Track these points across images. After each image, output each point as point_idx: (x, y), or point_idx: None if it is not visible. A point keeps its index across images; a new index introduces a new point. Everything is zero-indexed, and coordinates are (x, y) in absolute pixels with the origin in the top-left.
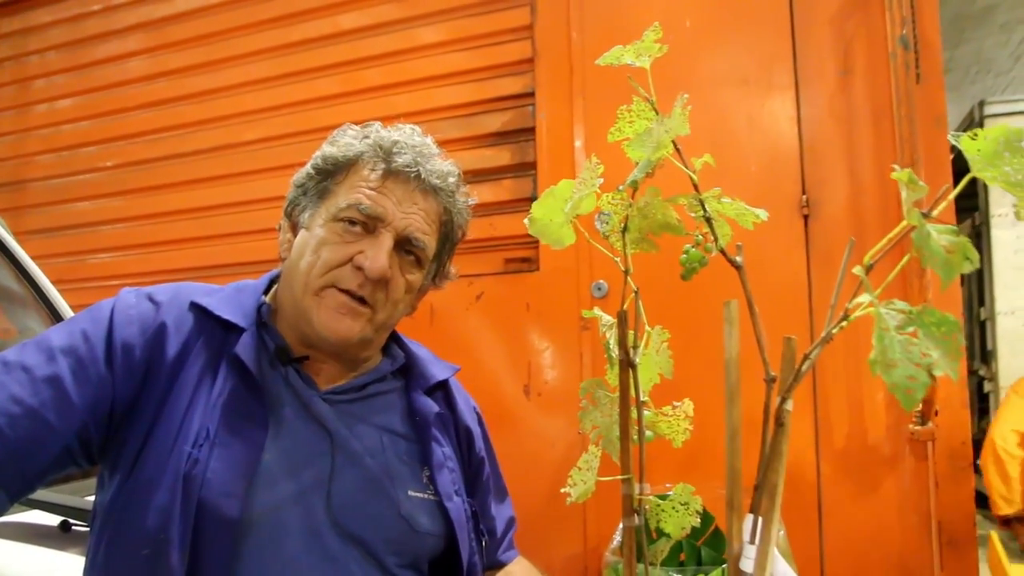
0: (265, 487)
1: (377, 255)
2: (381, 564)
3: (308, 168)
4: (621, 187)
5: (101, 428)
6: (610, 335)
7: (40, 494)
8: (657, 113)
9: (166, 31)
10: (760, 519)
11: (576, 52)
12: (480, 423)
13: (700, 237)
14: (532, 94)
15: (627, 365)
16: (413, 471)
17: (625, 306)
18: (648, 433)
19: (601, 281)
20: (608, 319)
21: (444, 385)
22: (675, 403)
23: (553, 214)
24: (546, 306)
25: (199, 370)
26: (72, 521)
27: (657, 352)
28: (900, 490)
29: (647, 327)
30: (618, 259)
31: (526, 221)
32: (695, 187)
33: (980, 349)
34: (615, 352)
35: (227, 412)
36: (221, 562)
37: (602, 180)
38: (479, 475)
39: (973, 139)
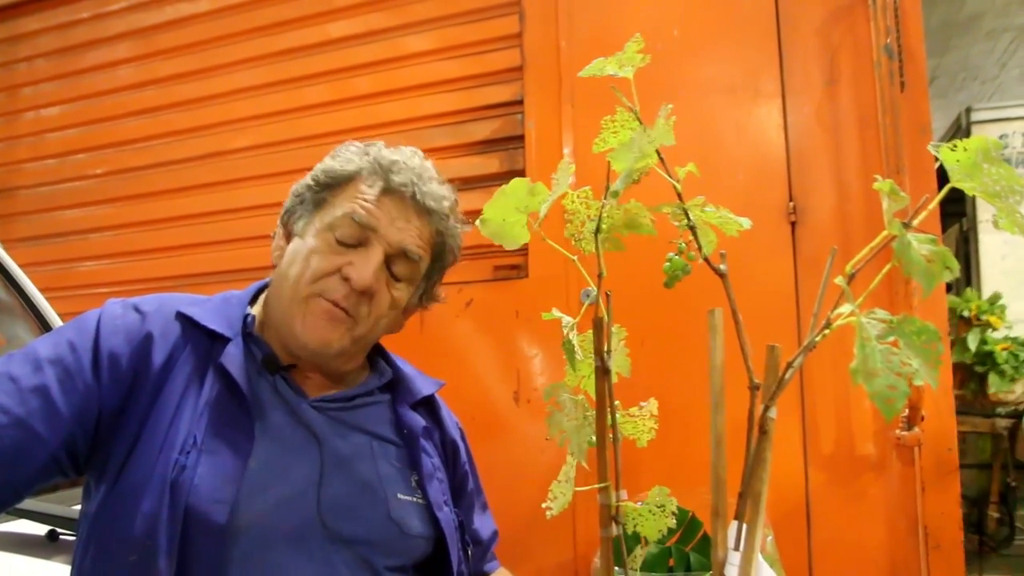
0: (253, 492)
1: (365, 267)
2: (371, 566)
3: (308, 179)
4: (592, 188)
5: (88, 437)
6: (572, 336)
7: (27, 503)
8: (641, 123)
9: (155, 39)
10: (744, 526)
11: (565, 60)
12: (463, 438)
13: (683, 245)
14: (521, 102)
15: (603, 372)
16: (402, 475)
17: (584, 311)
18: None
19: (591, 288)
20: (568, 320)
21: (430, 400)
22: (642, 403)
23: (506, 213)
24: (535, 313)
25: (185, 379)
26: (60, 530)
27: (615, 351)
28: (887, 495)
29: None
30: (575, 257)
31: (477, 223)
32: (679, 196)
33: None
34: (578, 353)
35: (214, 419)
36: (209, 568)
37: (573, 179)
38: (464, 488)
39: (953, 150)
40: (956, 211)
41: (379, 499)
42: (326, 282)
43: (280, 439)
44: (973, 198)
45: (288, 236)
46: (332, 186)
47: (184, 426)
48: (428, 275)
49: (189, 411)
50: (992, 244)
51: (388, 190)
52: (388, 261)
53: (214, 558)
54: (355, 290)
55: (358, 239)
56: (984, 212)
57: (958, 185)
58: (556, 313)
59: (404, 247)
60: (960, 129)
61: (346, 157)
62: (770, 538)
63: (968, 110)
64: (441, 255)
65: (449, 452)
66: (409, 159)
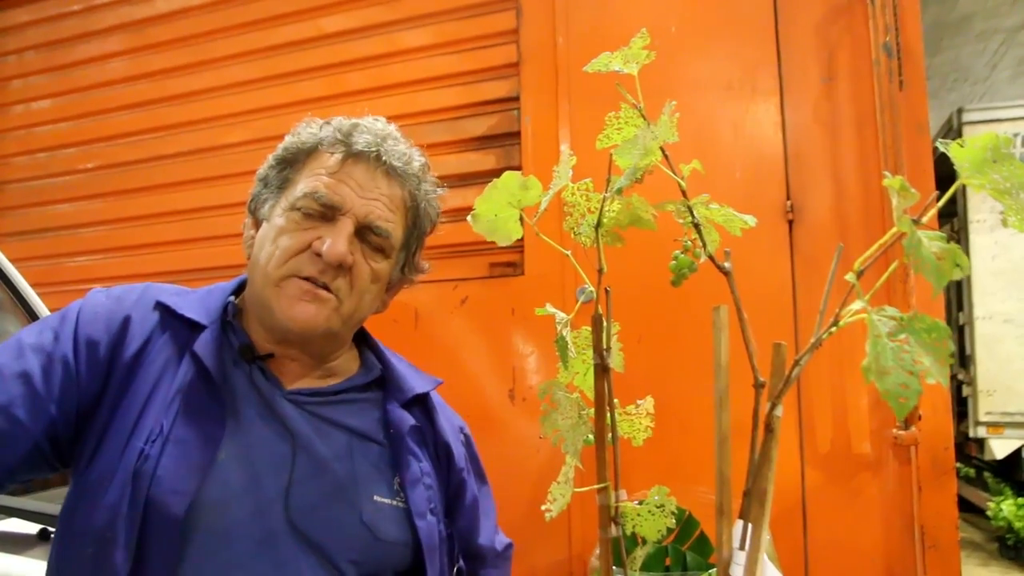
0: (218, 486)
1: (335, 240)
2: (339, 572)
3: (269, 160)
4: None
5: (69, 426)
6: (565, 333)
7: (19, 502)
8: (645, 120)
9: (147, 32)
10: (750, 525)
11: (562, 56)
12: (466, 443)
13: (689, 243)
14: (517, 98)
15: (602, 370)
16: (383, 476)
17: (578, 307)
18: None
19: (586, 285)
20: (562, 316)
21: (424, 399)
22: (638, 402)
23: (498, 209)
24: (531, 311)
25: (159, 367)
26: (51, 529)
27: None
28: (884, 495)
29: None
30: (568, 252)
31: (469, 219)
32: (683, 193)
33: (959, 353)
34: (571, 350)
35: (183, 409)
36: (166, 563)
37: (571, 173)
38: (460, 496)
39: (962, 147)
40: (947, 211)
41: (351, 502)
42: (298, 260)
43: (251, 433)
44: (964, 199)
45: (257, 224)
46: (294, 162)
47: (152, 415)
48: (406, 244)
49: (160, 400)
50: (983, 245)
51: (351, 155)
52: (360, 233)
53: (171, 553)
54: (330, 265)
55: (325, 215)
56: (975, 212)
57: (967, 182)
58: (549, 309)
59: (371, 221)
60: (951, 130)
61: (306, 131)
62: (768, 537)
63: (960, 111)
64: (417, 220)
65: (442, 456)
66: (371, 124)
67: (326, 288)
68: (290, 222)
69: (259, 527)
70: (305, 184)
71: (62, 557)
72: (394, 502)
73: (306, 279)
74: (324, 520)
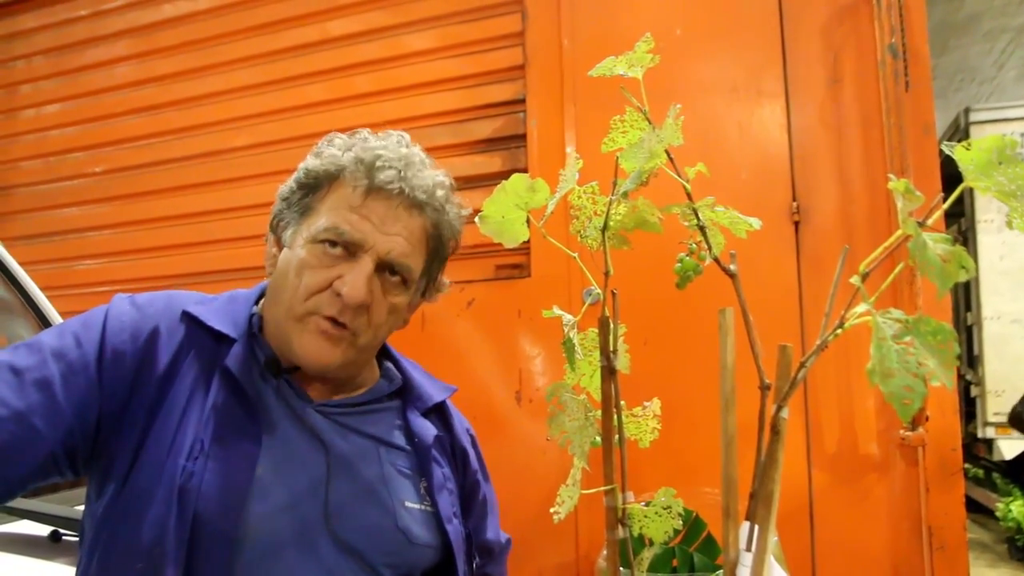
0: (260, 500)
1: (355, 281)
2: (378, 575)
3: (291, 182)
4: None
5: (88, 436)
6: (572, 335)
7: (30, 504)
8: (650, 123)
9: (154, 37)
10: (756, 527)
11: (567, 59)
12: (474, 445)
13: (694, 246)
14: (523, 101)
15: (608, 371)
16: (411, 482)
17: (585, 309)
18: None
19: (593, 287)
20: (569, 318)
21: (440, 406)
22: (645, 403)
23: (505, 210)
24: (537, 312)
25: (191, 382)
26: (62, 531)
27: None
28: (891, 496)
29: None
30: (575, 255)
31: (477, 220)
32: (688, 196)
33: (967, 354)
34: (578, 352)
35: (220, 425)
36: None
37: (577, 176)
38: (474, 496)
39: (967, 149)
40: (954, 211)
41: (387, 507)
42: (319, 299)
43: (286, 445)
44: (972, 199)
45: (279, 244)
46: (315, 188)
47: (191, 431)
48: (427, 271)
49: (195, 415)
50: (990, 245)
51: (373, 189)
52: (381, 267)
53: (222, 566)
54: (349, 306)
55: (346, 249)
56: (983, 213)
57: (972, 184)
58: (556, 311)
59: (392, 258)
60: (959, 130)
61: (329, 154)
62: (775, 538)
63: (967, 111)
64: (439, 248)
65: (459, 459)
66: (394, 150)
67: (344, 326)
68: (312, 256)
69: (302, 537)
70: (327, 219)
71: (106, 571)
72: (422, 507)
73: (326, 318)
74: (363, 527)
